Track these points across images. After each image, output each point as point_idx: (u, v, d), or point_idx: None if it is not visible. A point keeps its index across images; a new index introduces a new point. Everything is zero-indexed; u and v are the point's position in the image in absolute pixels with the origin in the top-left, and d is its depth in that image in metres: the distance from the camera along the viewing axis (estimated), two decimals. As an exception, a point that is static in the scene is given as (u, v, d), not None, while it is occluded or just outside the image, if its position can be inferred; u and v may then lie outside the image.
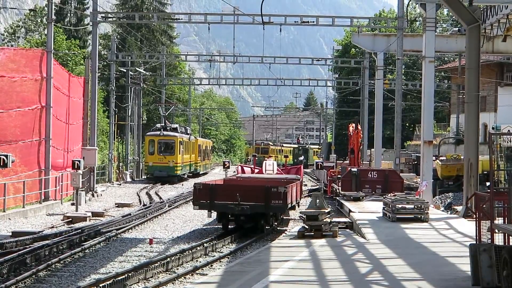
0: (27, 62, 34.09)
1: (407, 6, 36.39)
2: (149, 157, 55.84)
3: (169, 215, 30.68)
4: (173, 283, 15.25)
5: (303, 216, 21.95)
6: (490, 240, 12.71)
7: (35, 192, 32.79)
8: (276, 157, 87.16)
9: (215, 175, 69.80)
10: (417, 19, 61.32)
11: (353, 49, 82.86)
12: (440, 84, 70.46)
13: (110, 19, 49.04)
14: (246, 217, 23.76)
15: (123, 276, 15.11)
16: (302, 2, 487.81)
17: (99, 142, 57.69)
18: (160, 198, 40.05)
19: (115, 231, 23.75)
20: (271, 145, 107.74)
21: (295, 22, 45.31)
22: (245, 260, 17.26)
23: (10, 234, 23.00)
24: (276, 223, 25.54)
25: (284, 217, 27.83)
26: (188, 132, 64.03)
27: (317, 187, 49.53)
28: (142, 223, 26.88)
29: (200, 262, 18.06)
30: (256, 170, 35.35)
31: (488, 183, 22.56)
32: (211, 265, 17.60)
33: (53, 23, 35.48)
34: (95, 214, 30.05)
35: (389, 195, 26.74)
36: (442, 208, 32.67)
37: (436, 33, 33.63)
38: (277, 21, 43.79)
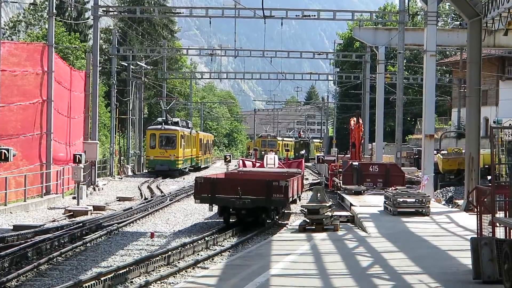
0: (28, 56, 34.06)
1: (409, 0, 36.36)
2: (150, 151, 55.86)
3: (170, 209, 30.69)
4: (174, 276, 15.28)
5: (304, 210, 21.94)
6: (491, 233, 12.74)
7: (37, 186, 32.82)
8: (278, 151, 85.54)
9: (216, 169, 69.81)
10: (418, 13, 61.20)
11: (357, 43, 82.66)
12: (441, 78, 70.44)
13: (111, 13, 48.97)
14: (247, 211, 23.77)
15: (125, 270, 15.14)
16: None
17: (101, 136, 57.69)
18: (161, 192, 40.07)
19: (116, 224, 23.78)
20: (279, 139, 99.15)
21: (296, 16, 45.28)
22: (246, 254, 17.27)
23: (12, 227, 23.07)
24: (277, 217, 25.56)
25: (285, 211, 27.84)
26: (189, 126, 64.03)
27: (318, 181, 49.53)
28: (143, 217, 26.91)
29: (201, 255, 18.09)
30: (258, 164, 35.32)
31: (489, 177, 22.60)
32: (212, 259, 17.63)
33: (54, 17, 35.43)
34: (96, 208, 30.07)
35: (390, 189, 26.76)
36: (443, 202, 32.69)
37: (437, 27, 33.57)
38: (278, 15, 43.79)
